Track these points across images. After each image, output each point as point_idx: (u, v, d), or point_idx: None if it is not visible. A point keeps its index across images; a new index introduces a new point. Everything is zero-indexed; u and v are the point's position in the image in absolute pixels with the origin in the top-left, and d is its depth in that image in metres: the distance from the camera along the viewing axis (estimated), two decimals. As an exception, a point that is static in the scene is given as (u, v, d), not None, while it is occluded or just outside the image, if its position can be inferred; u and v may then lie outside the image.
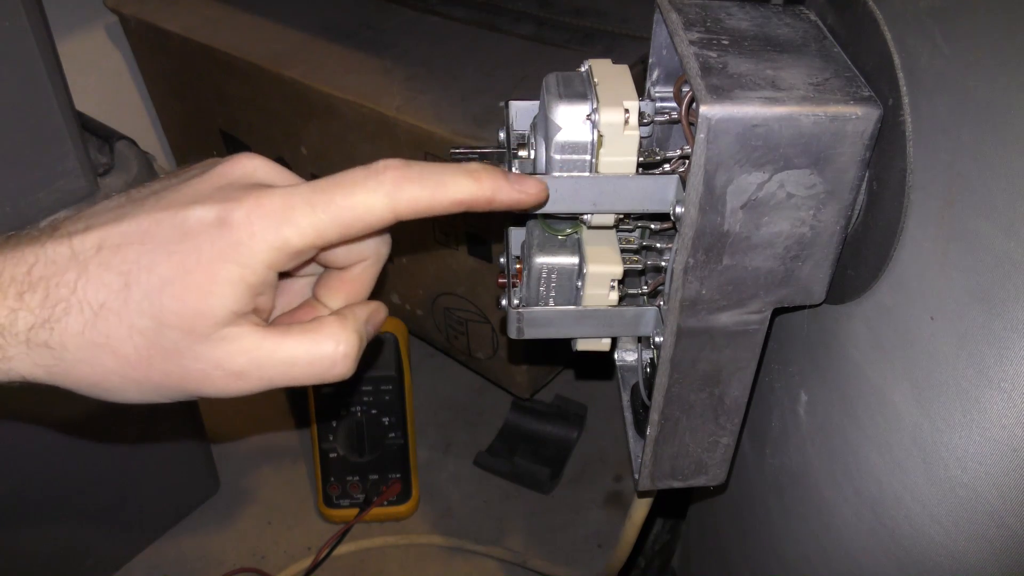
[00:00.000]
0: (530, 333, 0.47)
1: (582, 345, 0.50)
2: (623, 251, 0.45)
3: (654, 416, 0.47)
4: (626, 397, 0.55)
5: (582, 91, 0.41)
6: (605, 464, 1.09)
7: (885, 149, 0.38)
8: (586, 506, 1.04)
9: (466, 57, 0.93)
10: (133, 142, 0.79)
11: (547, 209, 0.42)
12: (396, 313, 1.07)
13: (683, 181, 0.39)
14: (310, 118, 0.95)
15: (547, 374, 1.06)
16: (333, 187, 0.36)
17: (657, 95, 0.46)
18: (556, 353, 1.03)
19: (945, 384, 0.36)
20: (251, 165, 0.39)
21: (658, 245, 0.47)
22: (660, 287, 0.47)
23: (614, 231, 0.46)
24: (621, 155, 0.40)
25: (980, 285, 0.34)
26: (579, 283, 0.46)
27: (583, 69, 0.43)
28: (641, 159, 0.41)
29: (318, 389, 1.01)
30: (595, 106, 0.40)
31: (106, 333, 0.35)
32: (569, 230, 0.46)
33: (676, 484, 0.51)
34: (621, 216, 0.44)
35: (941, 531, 0.39)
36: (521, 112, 0.47)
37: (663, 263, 0.46)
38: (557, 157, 0.40)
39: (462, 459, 1.10)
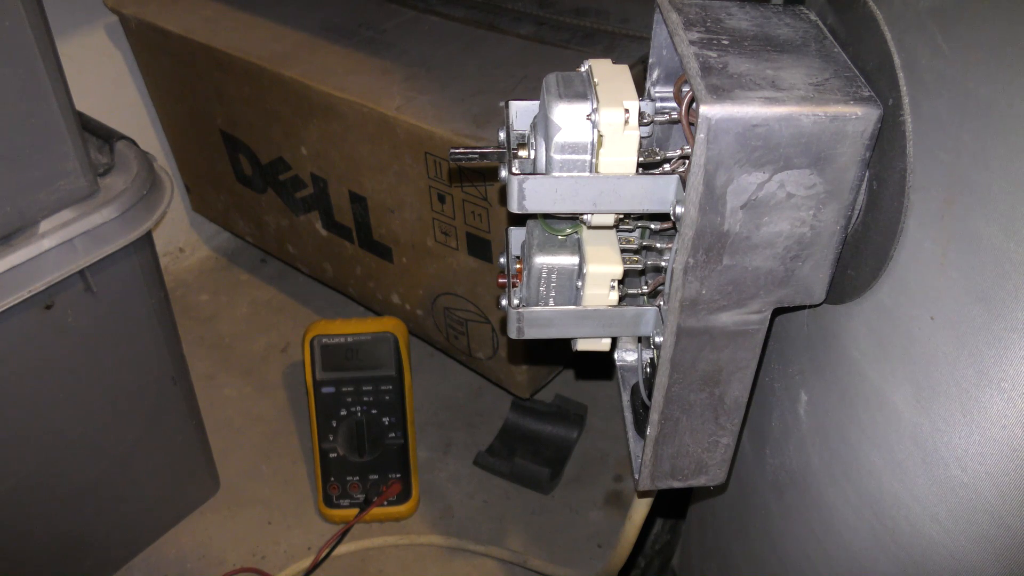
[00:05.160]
0: (530, 333, 0.47)
1: (582, 345, 0.50)
2: (623, 251, 0.45)
3: (654, 416, 0.47)
4: (626, 397, 0.55)
5: (582, 91, 0.41)
6: (605, 464, 1.09)
7: (885, 149, 0.38)
8: (586, 506, 1.04)
9: (466, 57, 0.93)
10: (133, 142, 0.79)
11: (547, 209, 0.42)
12: (396, 313, 1.07)
13: (683, 181, 0.39)
14: (310, 118, 0.96)
15: (547, 374, 1.06)
16: None
17: (657, 95, 0.46)
18: (556, 353, 1.03)
19: (945, 384, 0.36)
20: None
21: (658, 245, 0.47)
22: (660, 287, 0.47)
23: (614, 231, 0.46)
24: (621, 155, 0.40)
25: (980, 285, 0.34)
26: (579, 283, 0.46)
27: (583, 69, 0.43)
28: (641, 159, 0.41)
29: (318, 389, 1.01)
30: (595, 106, 0.40)
31: None
32: (569, 230, 0.46)
33: (676, 484, 0.51)
34: (621, 216, 0.44)
35: (941, 531, 0.39)
36: (521, 112, 0.47)
37: (663, 263, 0.46)
38: (557, 157, 0.40)
39: (462, 459, 1.10)
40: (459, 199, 0.86)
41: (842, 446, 0.45)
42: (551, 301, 0.47)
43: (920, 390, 0.38)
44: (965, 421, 0.35)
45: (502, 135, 0.45)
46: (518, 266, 0.49)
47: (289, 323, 1.31)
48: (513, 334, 0.47)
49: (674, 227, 0.42)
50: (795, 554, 0.52)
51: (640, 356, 0.54)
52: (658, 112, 0.44)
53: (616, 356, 0.56)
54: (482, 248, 0.88)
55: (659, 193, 0.41)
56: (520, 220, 0.48)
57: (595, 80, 0.41)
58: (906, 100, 0.37)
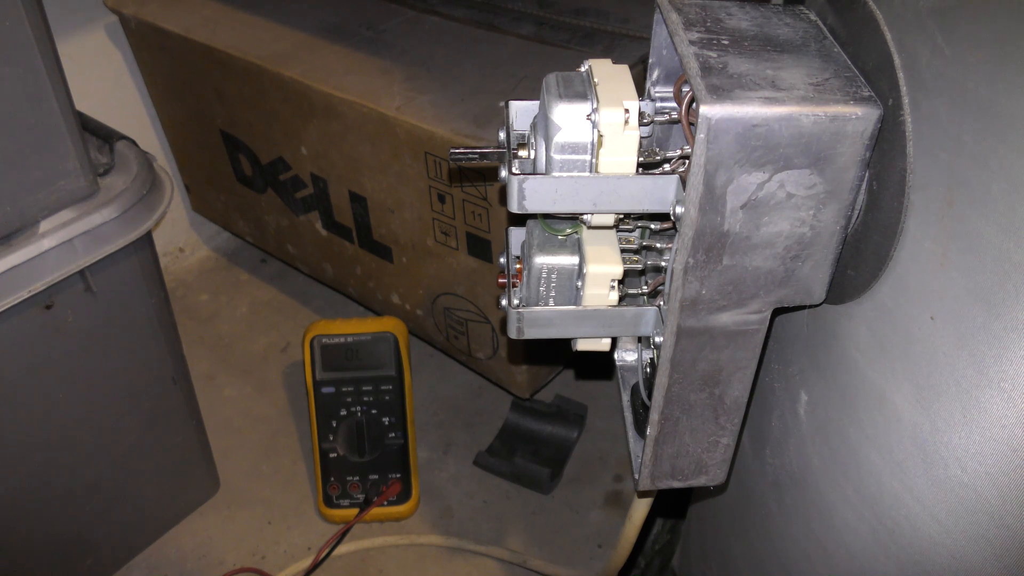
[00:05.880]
0: (530, 333, 0.47)
1: (582, 345, 0.50)
2: (623, 251, 0.45)
3: (654, 416, 0.47)
4: (626, 397, 0.55)
5: (582, 91, 0.41)
6: (605, 464, 1.09)
7: (885, 149, 0.38)
8: (586, 506, 1.04)
9: (466, 57, 0.93)
10: (133, 142, 0.79)
11: (547, 209, 0.42)
12: (396, 313, 1.07)
13: (683, 181, 0.39)
14: (310, 118, 0.96)
15: (547, 374, 1.06)
16: None
17: (657, 95, 0.46)
18: (556, 353, 1.03)
19: (945, 384, 0.36)
20: None
21: (658, 245, 0.47)
22: (660, 287, 0.47)
23: (614, 231, 0.46)
24: (621, 155, 0.40)
25: (980, 285, 0.34)
26: (579, 283, 0.46)
27: (583, 69, 0.43)
28: (641, 159, 0.41)
29: (318, 389, 1.01)
30: (595, 106, 0.40)
31: None
32: (569, 230, 0.46)
33: (676, 484, 0.51)
34: (621, 216, 0.44)
35: (941, 531, 0.39)
36: (521, 112, 0.47)
37: (663, 263, 0.46)
38: (557, 157, 0.40)
39: (462, 459, 1.10)
40: (459, 199, 0.86)
41: (842, 446, 0.45)
42: (551, 301, 0.47)
43: (920, 390, 0.38)
44: (965, 421, 0.35)
45: (502, 135, 0.45)
46: (518, 266, 0.49)
47: (289, 323, 1.31)
48: (513, 334, 0.47)
49: (674, 227, 0.42)
50: (795, 554, 0.52)
51: (640, 356, 0.54)
52: (658, 112, 0.45)
53: (616, 356, 0.56)
54: (482, 248, 0.88)
55: (659, 193, 0.41)
56: (520, 220, 0.48)
57: (595, 80, 0.41)
58: (906, 100, 0.37)
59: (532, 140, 0.44)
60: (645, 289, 0.47)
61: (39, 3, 0.64)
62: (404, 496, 1.01)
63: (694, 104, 0.36)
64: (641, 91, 0.43)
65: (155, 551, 1.00)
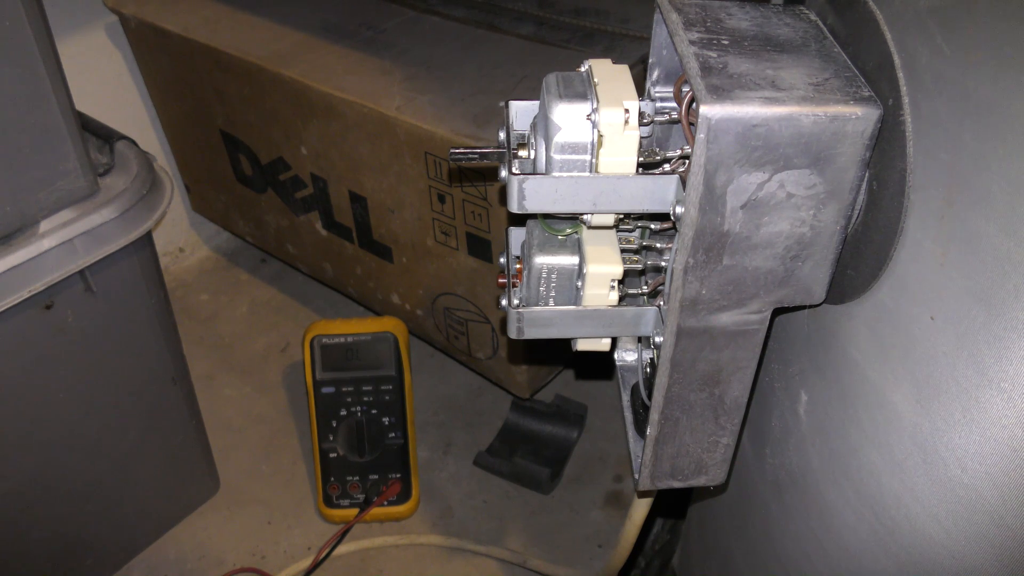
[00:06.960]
0: (530, 333, 0.47)
1: (582, 345, 0.50)
2: (623, 251, 0.45)
3: (654, 416, 0.47)
4: (626, 397, 0.55)
5: (582, 91, 0.41)
6: (605, 464, 1.09)
7: (885, 149, 0.38)
8: (586, 506, 1.04)
9: (466, 57, 0.93)
10: (133, 142, 0.79)
11: (547, 209, 0.42)
12: (396, 313, 1.07)
13: (683, 181, 0.39)
14: (310, 118, 0.96)
15: (547, 374, 1.06)
16: None
17: (657, 95, 0.46)
18: (556, 353, 1.03)
19: (945, 384, 0.36)
20: None
21: (658, 245, 0.47)
22: (660, 287, 0.47)
23: (614, 231, 0.46)
24: (621, 155, 0.40)
25: (980, 285, 0.34)
26: (579, 283, 0.46)
27: (583, 69, 0.43)
28: (641, 159, 0.41)
29: (318, 389, 1.01)
30: (595, 106, 0.40)
31: None
32: (569, 230, 0.46)
33: (676, 484, 0.51)
34: (621, 216, 0.44)
35: (941, 531, 0.39)
36: (521, 112, 0.47)
37: (663, 263, 0.46)
38: (557, 157, 0.40)
39: (462, 459, 1.10)
40: (459, 199, 0.86)
41: (842, 446, 0.45)
42: (551, 301, 0.47)
43: (920, 390, 0.38)
44: (965, 421, 0.35)
45: (502, 135, 0.45)
46: (518, 266, 0.49)
47: (289, 323, 1.31)
48: (513, 334, 0.47)
49: (674, 227, 0.42)
50: (795, 554, 0.52)
51: (640, 356, 0.54)
52: (658, 112, 0.45)
53: (616, 356, 0.56)
54: (482, 248, 0.88)
55: (659, 193, 0.41)
56: (520, 220, 0.48)
57: (595, 80, 0.41)
58: (906, 100, 0.37)
59: (532, 140, 0.44)
60: (645, 289, 0.47)
61: (39, 3, 0.64)
62: (404, 496, 1.01)
63: (694, 104, 0.36)
64: (641, 91, 0.43)
65: (155, 551, 1.00)
